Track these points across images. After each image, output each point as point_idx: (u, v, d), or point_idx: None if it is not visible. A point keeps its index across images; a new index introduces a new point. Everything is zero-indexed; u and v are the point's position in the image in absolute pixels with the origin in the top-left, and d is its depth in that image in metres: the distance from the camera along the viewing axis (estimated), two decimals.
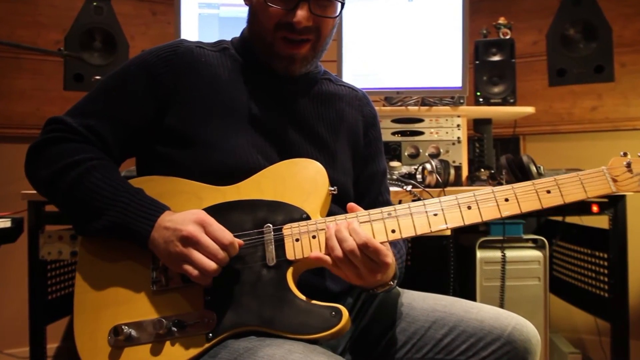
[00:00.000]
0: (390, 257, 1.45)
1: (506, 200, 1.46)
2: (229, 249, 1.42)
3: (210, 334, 1.43)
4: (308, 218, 1.50)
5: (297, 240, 1.48)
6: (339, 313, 1.39)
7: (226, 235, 1.42)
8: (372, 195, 1.88)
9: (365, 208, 1.64)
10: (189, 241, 1.40)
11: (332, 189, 1.56)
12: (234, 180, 1.57)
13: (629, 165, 1.46)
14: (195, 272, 1.40)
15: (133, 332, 1.46)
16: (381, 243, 1.42)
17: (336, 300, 1.67)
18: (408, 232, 1.47)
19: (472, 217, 1.46)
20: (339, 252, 1.40)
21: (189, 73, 1.64)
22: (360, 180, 1.85)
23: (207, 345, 1.43)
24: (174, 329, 1.44)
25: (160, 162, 1.62)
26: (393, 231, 1.46)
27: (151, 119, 1.62)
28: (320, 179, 1.56)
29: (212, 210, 1.51)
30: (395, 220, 1.47)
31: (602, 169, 1.46)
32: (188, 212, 1.46)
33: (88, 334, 1.50)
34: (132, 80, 1.64)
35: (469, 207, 1.46)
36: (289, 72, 1.68)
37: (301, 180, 1.56)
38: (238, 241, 1.44)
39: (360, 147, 1.85)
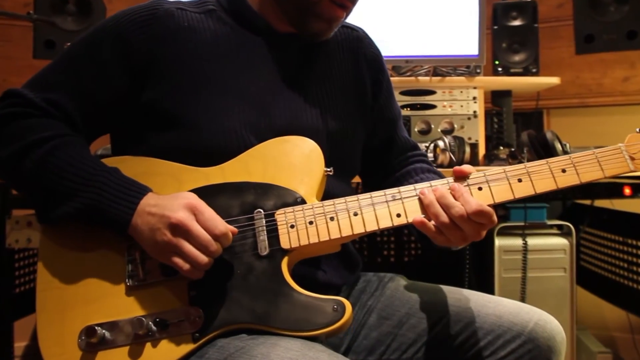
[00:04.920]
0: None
1: (519, 180, 1.47)
2: (222, 239, 1.38)
3: (197, 334, 1.40)
4: (303, 202, 1.48)
5: (292, 226, 1.46)
6: (341, 307, 1.37)
7: (219, 224, 1.38)
8: (399, 141, 1.92)
9: (396, 154, 1.86)
10: (179, 230, 1.36)
11: (328, 169, 1.54)
12: (219, 164, 1.54)
13: None
14: (186, 265, 1.36)
15: (107, 334, 1.41)
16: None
17: (335, 293, 1.67)
18: (415, 216, 1.46)
19: (482, 199, 1.45)
20: (445, 218, 1.41)
21: (169, 41, 1.58)
22: (379, 131, 1.86)
23: (193, 346, 1.39)
24: (155, 328, 1.40)
25: (138, 143, 1.58)
26: (398, 215, 1.46)
27: (124, 93, 1.57)
28: (314, 158, 1.53)
29: None
30: (400, 203, 1.46)
31: (619, 147, 1.48)
32: (176, 196, 1.42)
33: (54, 337, 1.46)
34: (102, 48, 1.58)
35: (480, 189, 1.47)
36: (321, 35, 1.66)
37: (293, 160, 1.53)
38: (232, 229, 1.41)
39: (369, 99, 1.83)
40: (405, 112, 3.01)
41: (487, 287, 2.87)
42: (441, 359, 1.58)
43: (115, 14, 1.62)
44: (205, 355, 1.38)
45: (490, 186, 1.46)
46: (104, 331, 1.42)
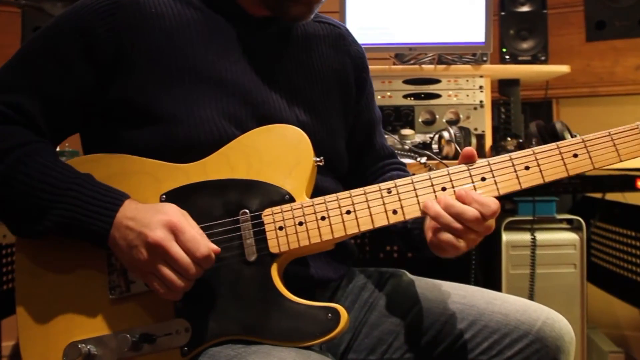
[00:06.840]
0: None
1: (526, 168, 1.38)
2: (203, 262, 1.34)
3: (186, 348, 1.38)
4: (292, 200, 1.43)
5: (280, 228, 1.41)
6: (336, 315, 1.34)
7: (201, 247, 1.33)
8: (377, 146, 1.89)
9: (371, 161, 1.84)
10: (157, 251, 1.32)
11: (318, 159, 1.47)
12: (201, 159, 1.49)
13: None
14: (162, 289, 1.33)
15: (93, 350, 1.40)
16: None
17: (332, 288, 1.68)
18: (413, 212, 1.40)
19: (486, 191, 1.38)
20: (457, 225, 1.35)
21: (136, 30, 1.52)
22: (357, 134, 1.83)
23: None
24: (142, 343, 1.39)
25: (110, 142, 1.53)
26: (395, 212, 1.40)
27: (91, 90, 1.51)
28: (303, 149, 1.46)
29: (173, 195, 1.44)
30: (396, 198, 1.41)
31: (637, 125, 1.38)
32: (156, 209, 1.37)
33: (38, 355, 1.45)
34: (64, 43, 1.51)
35: (483, 179, 1.39)
36: (300, 19, 1.62)
37: (280, 151, 1.47)
38: (214, 249, 1.36)
39: (352, 97, 1.81)
40: (408, 101, 3.00)
41: (494, 284, 2.86)
42: (445, 359, 1.57)
43: (74, 6, 1.55)
44: None
45: (495, 178, 1.38)
46: (88, 347, 1.41)
